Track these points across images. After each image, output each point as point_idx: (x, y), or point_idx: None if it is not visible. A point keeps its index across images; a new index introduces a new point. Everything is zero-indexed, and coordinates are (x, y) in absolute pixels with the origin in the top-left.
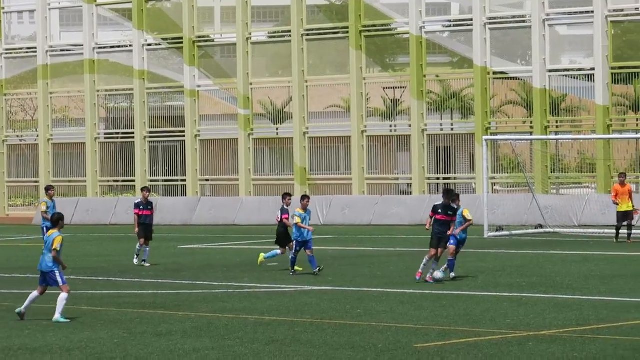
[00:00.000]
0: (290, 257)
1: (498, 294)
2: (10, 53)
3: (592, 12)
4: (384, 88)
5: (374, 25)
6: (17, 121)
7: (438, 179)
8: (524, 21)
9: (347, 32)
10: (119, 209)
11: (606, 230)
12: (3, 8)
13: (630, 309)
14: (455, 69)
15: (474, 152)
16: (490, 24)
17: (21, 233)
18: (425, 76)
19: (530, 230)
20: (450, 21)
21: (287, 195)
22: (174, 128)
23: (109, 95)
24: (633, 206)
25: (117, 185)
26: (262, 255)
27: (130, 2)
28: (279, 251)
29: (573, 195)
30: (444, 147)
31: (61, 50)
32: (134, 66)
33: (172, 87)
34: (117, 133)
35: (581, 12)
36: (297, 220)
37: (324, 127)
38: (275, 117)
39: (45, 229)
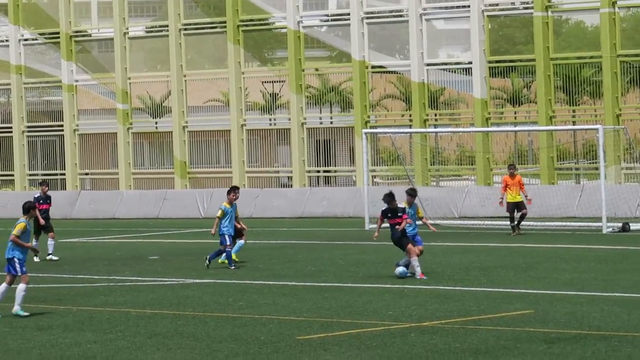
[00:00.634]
0: (226, 251)
1: (380, 285)
2: None
3: (469, 6)
4: (262, 82)
5: (252, 20)
6: None
7: (318, 171)
8: (401, 15)
9: (225, 27)
10: None
11: (486, 222)
12: None
13: (512, 300)
14: (334, 63)
15: (354, 145)
16: (367, 18)
17: None
18: (303, 70)
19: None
20: (327, 15)
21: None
22: (52, 122)
23: None
24: (526, 196)
25: None
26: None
27: None
28: (242, 241)
29: (453, 187)
30: (324, 140)
31: None
32: (10, 61)
33: (50, 81)
34: None
35: (457, 7)
36: (219, 213)
37: (204, 121)
38: (154, 111)
39: None
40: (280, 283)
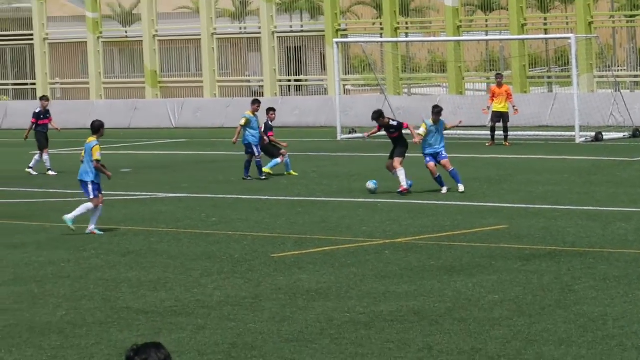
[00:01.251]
0: (256, 162)
1: (353, 199)
2: None
3: None
4: None
5: None
6: None
7: (289, 81)
8: None
9: None
10: None
11: (458, 132)
12: None
13: (485, 214)
14: None
15: (325, 52)
16: None
17: None
18: None
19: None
20: None
21: (270, 110)
22: (22, 31)
23: None
24: (514, 106)
25: None
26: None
27: None
28: (278, 159)
29: (425, 96)
30: (295, 47)
31: None
32: None
33: None
34: None
35: None
36: (243, 121)
37: (174, 29)
38: (123, 19)
39: None
40: (254, 197)
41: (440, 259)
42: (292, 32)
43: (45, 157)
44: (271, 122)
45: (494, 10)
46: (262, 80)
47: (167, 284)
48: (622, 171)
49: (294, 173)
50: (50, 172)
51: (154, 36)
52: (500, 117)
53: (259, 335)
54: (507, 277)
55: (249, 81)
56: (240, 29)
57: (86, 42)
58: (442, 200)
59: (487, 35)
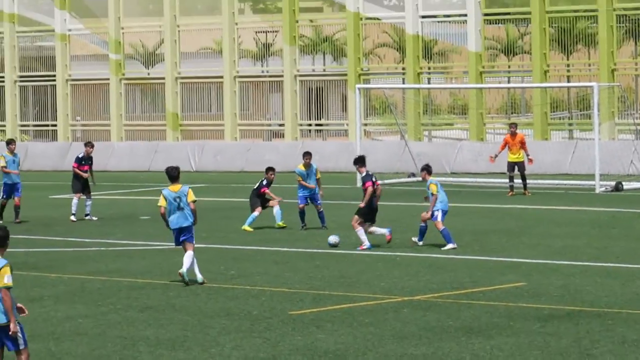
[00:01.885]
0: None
1: (372, 252)
2: None
3: None
4: (256, 32)
5: None
6: None
7: (310, 125)
8: None
9: None
10: None
11: (478, 179)
12: None
13: (504, 270)
14: (328, 13)
15: (346, 94)
16: None
17: None
18: (297, 22)
19: (402, 179)
20: None
21: (269, 170)
22: (45, 72)
23: None
24: (527, 155)
25: None
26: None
27: None
28: (255, 212)
29: (445, 142)
30: (316, 88)
31: None
32: (3, 9)
33: (43, 30)
34: None
35: None
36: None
37: (197, 69)
38: (146, 60)
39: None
40: (272, 249)
41: (459, 318)
42: (314, 74)
43: (88, 202)
44: (268, 182)
45: (516, 54)
46: (283, 124)
47: (185, 342)
48: None
49: (282, 224)
50: (72, 218)
51: (176, 78)
52: (514, 167)
53: None
54: (525, 339)
55: (269, 125)
56: (263, 71)
57: (108, 83)
58: (462, 254)
59: (509, 79)
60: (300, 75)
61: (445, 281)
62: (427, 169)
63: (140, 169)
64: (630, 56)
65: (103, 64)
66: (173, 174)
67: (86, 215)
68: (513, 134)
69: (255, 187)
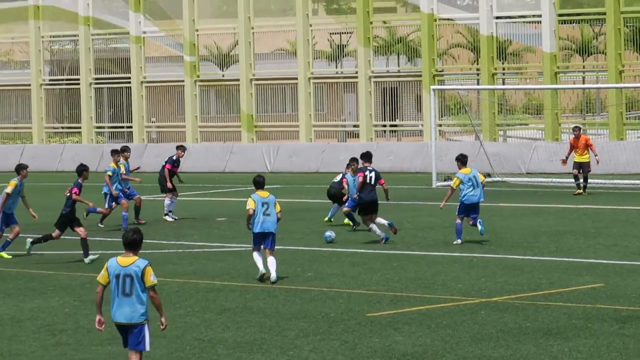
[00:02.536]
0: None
1: (449, 254)
2: None
3: None
4: (330, 33)
5: None
6: None
7: (385, 126)
8: None
9: None
10: (65, 155)
11: (554, 179)
12: None
13: (581, 271)
14: (402, 14)
15: (421, 94)
16: None
17: None
18: (371, 23)
19: None
20: None
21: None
22: (119, 75)
23: (53, 40)
24: (595, 155)
25: (62, 131)
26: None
27: None
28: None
29: (520, 142)
30: (391, 89)
31: None
32: (78, 12)
33: (118, 33)
34: (62, 79)
35: None
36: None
37: (271, 70)
38: (220, 61)
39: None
40: (349, 250)
41: (537, 320)
42: (388, 74)
43: (167, 201)
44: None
45: (591, 54)
46: (358, 125)
47: (262, 345)
48: None
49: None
50: (168, 218)
51: (251, 80)
52: (580, 167)
53: None
54: (603, 341)
55: (344, 125)
56: (337, 72)
57: (183, 85)
58: (538, 255)
59: (584, 78)
60: (375, 76)
61: (522, 282)
62: (459, 159)
63: (215, 171)
64: None
65: (178, 65)
66: (260, 181)
67: (168, 213)
68: (577, 137)
69: (335, 180)
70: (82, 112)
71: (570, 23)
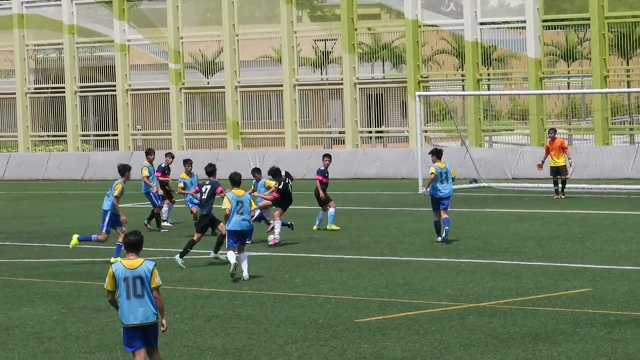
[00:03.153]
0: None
1: (436, 259)
2: None
3: None
4: (315, 40)
5: None
6: None
7: (370, 132)
8: None
9: None
10: (50, 163)
11: (540, 185)
12: None
13: (569, 276)
14: (386, 21)
15: (406, 100)
16: None
17: None
18: (356, 30)
19: (464, 185)
20: None
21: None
22: (105, 83)
23: (38, 49)
24: (569, 159)
25: (48, 140)
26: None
27: None
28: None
29: (506, 147)
30: (376, 95)
31: None
32: (63, 20)
33: (102, 41)
34: (47, 88)
35: None
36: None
37: (256, 78)
38: (205, 69)
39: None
40: (336, 256)
41: (525, 325)
42: (373, 81)
43: (165, 207)
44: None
45: (576, 59)
46: (344, 131)
47: (251, 351)
48: None
49: (335, 227)
50: (165, 224)
51: (236, 87)
52: (556, 171)
53: None
54: (592, 345)
55: (330, 132)
56: (322, 79)
57: (168, 92)
58: (525, 260)
59: (569, 84)
60: (360, 83)
61: (510, 287)
62: (434, 153)
63: (201, 178)
64: None
65: (163, 73)
66: (235, 179)
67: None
68: (552, 139)
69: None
70: (67, 121)
71: (555, 29)
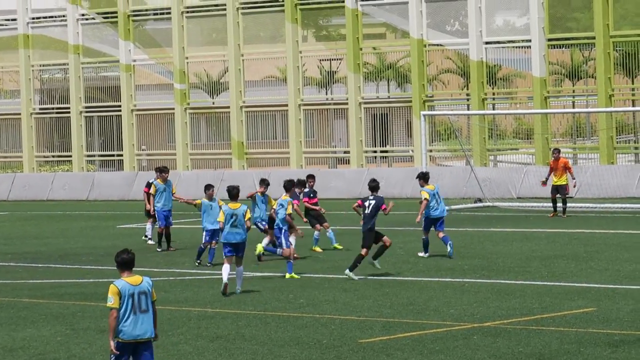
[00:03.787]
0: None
1: (440, 279)
2: None
3: None
4: (320, 60)
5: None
6: None
7: (375, 152)
8: None
9: (283, 5)
10: (55, 184)
11: (544, 204)
12: None
13: (573, 296)
14: (391, 40)
15: (411, 119)
16: None
17: None
18: (361, 49)
19: (469, 205)
20: None
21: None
22: (110, 103)
23: (43, 69)
24: (573, 179)
25: (53, 160)
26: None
27: None
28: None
29: (511, 167)
30: (381, 115)
31: None
32: (68, 41)
33: (108, 61)
34: (52, 108)
35: None
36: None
37: (261, 97)
38: (210, 89)
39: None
40: (341, 277)
41: (529, 345)
42: (378, 101)
43: (148, 225)
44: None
45: (581, 78)
46: (349, 151)
47: None
48: None
49: (338, 246)
50: (150, 242)
51: (241, 107)
52: (557, 190)
53: None
54: None
55: (335, 152)
56: (327, 98)
57: (173, 112)
58: (530, 279)
59: (574, 103)
60: (365, 102)
61: (514, 307)
62: (422, 177)
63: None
64: None
65: (168, 93)
66: (233, 192)
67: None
68: (556, 159)
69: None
70: (72, 141)
71: (560, 48)
